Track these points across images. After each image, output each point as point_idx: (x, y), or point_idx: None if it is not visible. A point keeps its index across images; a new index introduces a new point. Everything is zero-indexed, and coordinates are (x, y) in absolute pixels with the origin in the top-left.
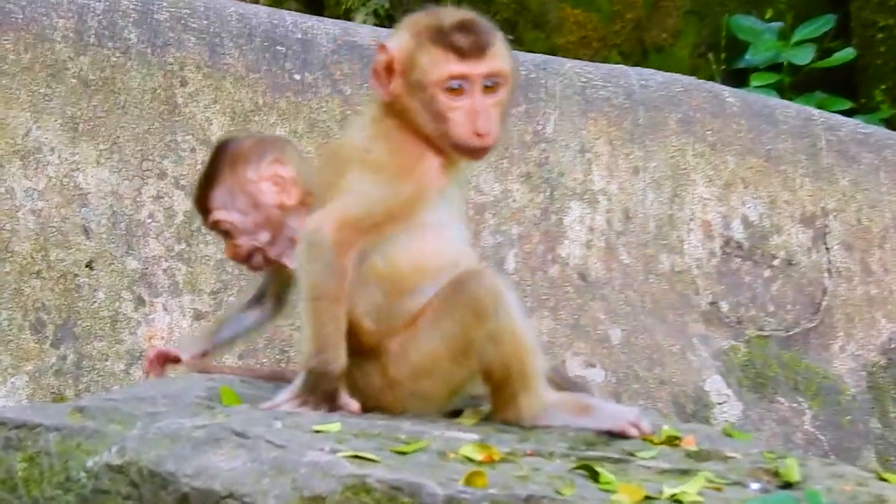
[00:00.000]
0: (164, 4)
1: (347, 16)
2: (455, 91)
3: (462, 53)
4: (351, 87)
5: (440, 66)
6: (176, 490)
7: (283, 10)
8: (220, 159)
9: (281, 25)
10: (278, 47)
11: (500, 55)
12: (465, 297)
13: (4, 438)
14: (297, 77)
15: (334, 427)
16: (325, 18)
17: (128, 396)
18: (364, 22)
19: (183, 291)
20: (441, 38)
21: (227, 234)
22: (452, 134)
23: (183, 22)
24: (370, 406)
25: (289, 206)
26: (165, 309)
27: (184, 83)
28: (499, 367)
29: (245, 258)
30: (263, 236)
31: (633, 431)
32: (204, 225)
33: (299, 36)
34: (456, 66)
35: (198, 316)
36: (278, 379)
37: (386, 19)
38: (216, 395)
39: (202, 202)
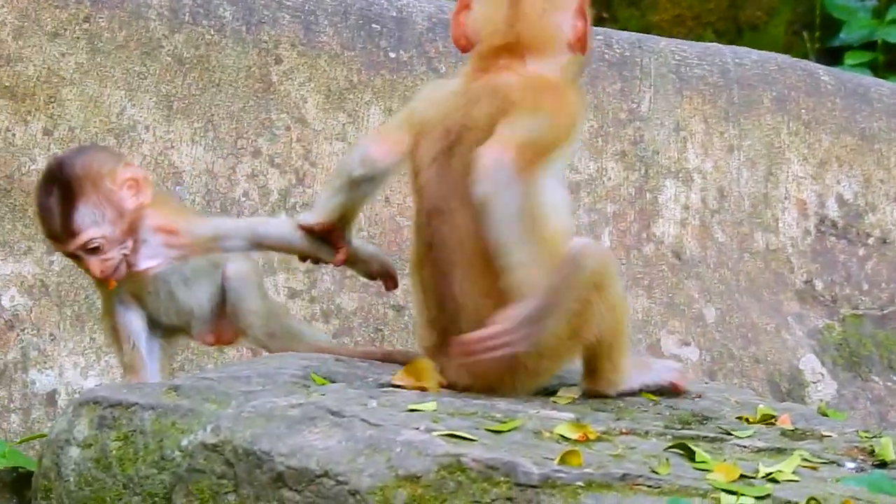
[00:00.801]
0: None
1: None
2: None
3: None
4: (445, 64)
5: None
6: (271, 469)
7: None
8: (70, 180)
9: (376, 3)
10: (373, 25)
11: None
12: (586, 272)
13: (99, 417)
14: (393, 55)
15: (430, 406)
16: None
17: (222, 375)
18: None
19: (277, 270)
20: None
21: (94, 251)
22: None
23: (278, 0)
24: (482, 387)
25: (146, 206)
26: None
27: (278, 61)
28: (608, 335)
29: (114, 271)
30: (129, 244)
31: (684, 384)
32: (64, 252)
33: (394, 14)
34: None
35: (292, 294)
36: (372, 358)
37: None
38: (311, 372)
39: (66, 227)
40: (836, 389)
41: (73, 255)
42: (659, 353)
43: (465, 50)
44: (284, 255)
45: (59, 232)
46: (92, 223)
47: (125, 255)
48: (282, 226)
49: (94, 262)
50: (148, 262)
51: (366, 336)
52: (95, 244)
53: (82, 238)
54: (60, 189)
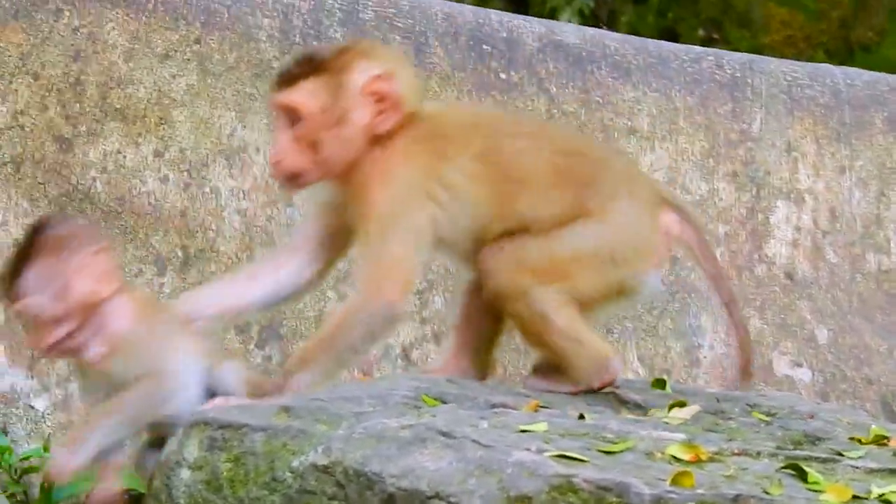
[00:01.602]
0: (370, 4)
1: (552, 14)
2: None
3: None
4: (556, 85)
5: None
6: (382, 490)
7: (489, 9)
8: (36, 241)
9: (486, 24)
10: (484, 46)
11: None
12: None
13: (210, 439)
14: (503, 76)
15: (541, 427)
16: (531, 17)
17: (334, 396)
18: (569, 21)
19: None
20: None
21: (34, 319)
22: None
23: (388, 21)
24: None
25: (104, 298)
26: None
27: None
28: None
29: (48, 349)
30: (70, 325)
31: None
32: (8, 307)
33: (504, 35)
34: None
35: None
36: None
37: (590, 18)
38: (422, 394)
39: (12, 286)
40: None
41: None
42: (771, 374)
43: None
44: None
45: (6, 289)
46: (35, 291)
47: (63, 336)
48: (235, 376)
49: (30, 332)
50: (90, 354)
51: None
52: (33, 312)
53: (21, 303)
54: (26, 246)
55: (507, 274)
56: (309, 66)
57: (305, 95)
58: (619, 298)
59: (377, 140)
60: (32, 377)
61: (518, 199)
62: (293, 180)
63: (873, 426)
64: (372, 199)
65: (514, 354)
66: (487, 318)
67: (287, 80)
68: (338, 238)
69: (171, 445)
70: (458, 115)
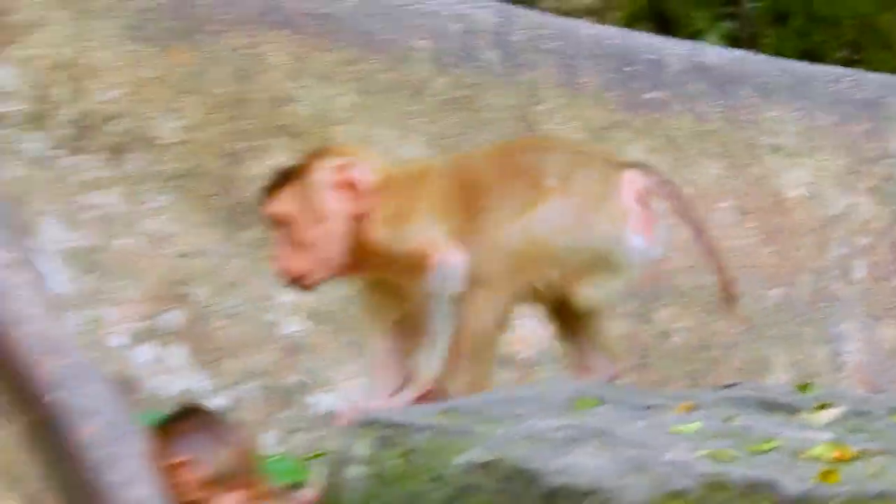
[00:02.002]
0: (520, 26)
1: (696, 36)
2: None
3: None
4: (701, 105)
5: None
6: (543, 486)
7: (635, 31)
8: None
9: (633, 47)
10: (630, 67)
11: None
12: None
13: (379, 438)
14: (648, 95)
15: (692, 427)
16: (676, 39)
17: (495, 398)
18: (713, 43)
19: None
20: None
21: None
22: None
23: (540, 43)
24: None
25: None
26: (530, 317)
27: (540, 101)
28: None
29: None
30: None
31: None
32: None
33: (651, 56)
34: None
35: None
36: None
37: (734, 40)
38: (580, 396)
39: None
40: None
41: None
42: None
43: None
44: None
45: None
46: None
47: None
48: None
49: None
50: None
51: (631, 361)
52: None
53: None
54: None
55: (489, 259)
56: (284, 177)
57: (285, 203)
58: (607, 268)
59: (362, 219)
60: (209, 378)
61: (482, 206)
62: (301, 282)
63: None
64: (379, 238)
65: (667, 360)
66: (568, 321)
67: (270, 192)
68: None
69: (343, 443)
70: (424, 168)
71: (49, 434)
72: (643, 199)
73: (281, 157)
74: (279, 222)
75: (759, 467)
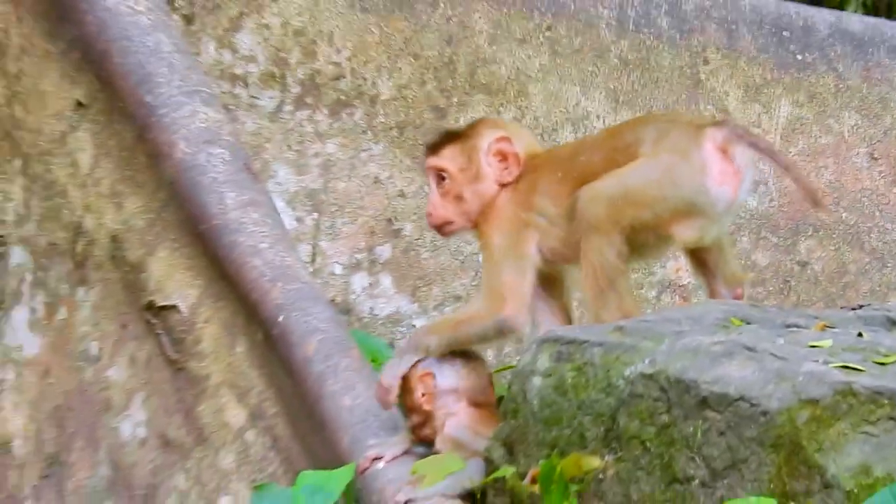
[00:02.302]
0: None
1: (841, 6)
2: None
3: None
4: (843, 65)
5: None
6: (697, 394)
7: (788, 2)
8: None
9: (786, 14)
10: (784, 32)
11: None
12: None
13: (557, 352)
14: (799, 57)
15: (826, 343)
16: (823, 8)
17: (658, 319)
18: (854, 11)
19: None
20: None
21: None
22: None
23: (706, 12)
24: None
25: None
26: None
27: (706, 62)
28: None
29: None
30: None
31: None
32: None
33: (801, 23)
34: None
35: None
36: None
37: (873, 9)
38: (730, 316)
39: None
40: None
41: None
42: None
43: None
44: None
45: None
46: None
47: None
48: None
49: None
50: None
51: (775, 287)
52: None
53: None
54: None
55: (593, 206)
56: (449, 137)
57: (448, 159)
58: (694, 212)
59: (505, 187)
60: (414, 302)
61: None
62: (444, 228)
63: None
64: (494, 234)
65: (806, 285)
66: (694, 256)
67: (434, 148)
68: None
69: (526, 358)
70: (549, 153)
71: (278, 350)
72: (724, 151)
73: (481, 111)
74: (438, 174)
75: (882, 377)
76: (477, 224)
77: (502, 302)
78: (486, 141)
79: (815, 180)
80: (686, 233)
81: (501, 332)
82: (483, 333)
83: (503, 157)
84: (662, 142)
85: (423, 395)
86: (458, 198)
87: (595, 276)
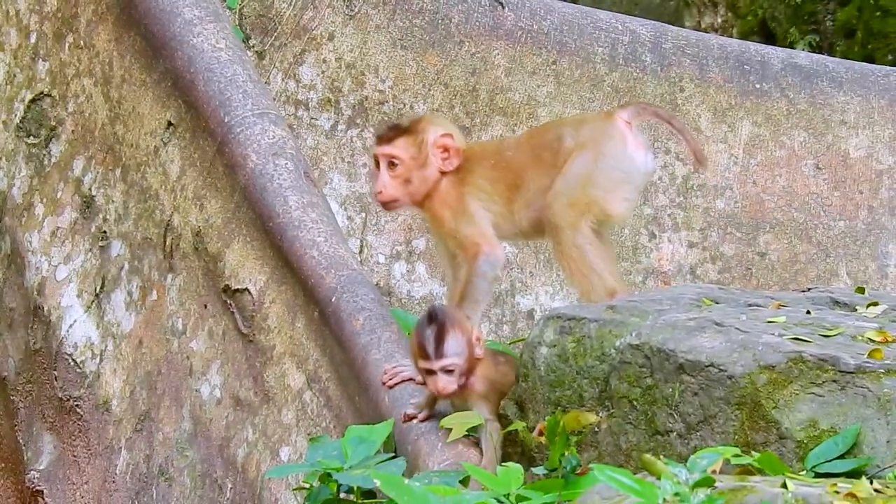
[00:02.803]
0: (669, 37)
1: (791, 45)
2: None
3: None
4: (793, 93)
5: None
6: (675, 361)
7: (748, 42)
8: (444, 323)
9: (746, 51)
10: (745, 66)
11: (399, 145)
12: None
13: (560, 327)
14: (758, 86)
15: (781, 319)
16: (776, 47)
17: (643, 299)
18: (802, 49)
19: (681, 228)
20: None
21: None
22: None
23: (682, 49)
24: None
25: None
26: (669, 241)
27: (682, 90)
28: None
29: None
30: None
31: None
32: (425, 368)
33: (759, 59)
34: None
35: (691, 245)
36: None
37: (817, 48)
38: (703, 297)
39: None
40: None
41: (428, 371)
42: None
43: None
44: (686, 219)
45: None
46: (454, 354)
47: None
48: None
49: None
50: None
51: (739, 273)
52: (452, 368)
53: (444, 362)
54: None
55: (558, 208)
56: (400, 130)
57: (401, 148)
58: (626, 186)
59: (443, 175)
60: (444, 286)
61: (524, 177)
62: (390, 204)
63: None
64: (443, 210)
65: (765, 271)
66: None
67: (386, 138)
68: None
69: (535, 331)
70: (480, 147)
71: (331, 325)
72: (630, 126)
73: (500, 130)
74: (388, 160)
75: (827, 347)
76: (423, 205)
77: (476, 247)
78: (433, 136)
79: (768, 185)
80: (621, 206)
81: (493, 268)
82: (482, 281)
83: (445, 149)
84: (581, 132)
85: (479, 352)
86: (407, 181)
87: (577, 268)
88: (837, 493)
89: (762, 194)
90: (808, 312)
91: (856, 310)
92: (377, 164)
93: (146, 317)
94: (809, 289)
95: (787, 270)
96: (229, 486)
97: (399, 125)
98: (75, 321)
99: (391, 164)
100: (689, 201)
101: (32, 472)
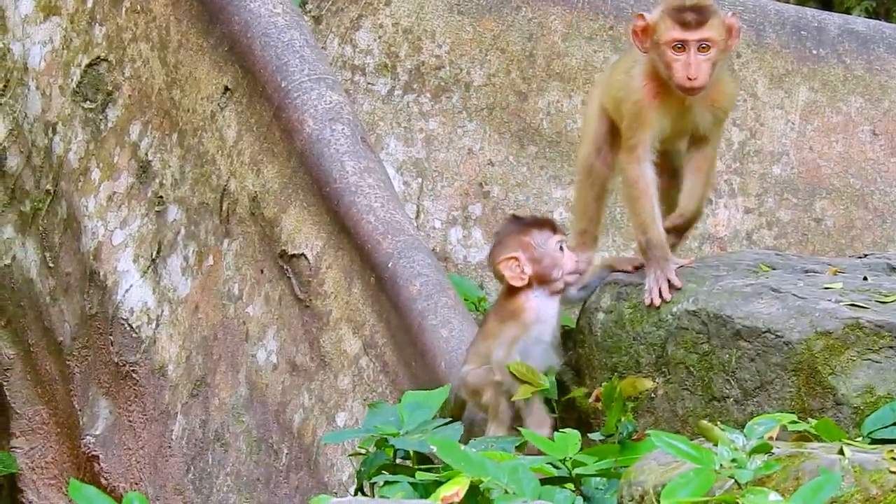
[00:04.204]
0: (726, 3)
1: (847, 11)
2: (678, 49)
3: (684, 25)
4: (850, 59)
5: (669, 32)
6: (732, 327)
7: (805, 7)
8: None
9: (803, 17)
10: (802, 32)
11: (713, 27)
12: None
13: (617, 293)
14: (815, 52)
15: (838, 285)
16: (833, 12)
17: (700, 265)
18: (859, 14)
19: (737, 194)
20: (674, 13)
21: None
22: (674, 77)
23: (738, 14)
24: None
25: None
26: (725, 207)
27: (739, 55)
28: None
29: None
30: None
31: None
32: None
33: (815, 24)
34: (678, 34)
35: (747, 211)
36: None
37: (874, 13)
38: (759, 263)
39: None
40: None
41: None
42: None
43: None
44: (742, 184)
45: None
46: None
47: None
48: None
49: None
50: None
51: (795, 239)
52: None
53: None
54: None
55: None
56: (708, 12)
57: (716, 30)
58: None
59: None
60: None
61: None
62: (699, 90)
63: None
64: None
65: (821, 237)
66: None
67: (699, 22)
68: None
69: (592, 297)
70: None
71: (387, 290)
72: None
73: (556, 96)
74: (705, 44)
75: (884, 313)
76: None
77: None
78: (734, 19)
79: (824, 151)
80: None
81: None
82: None
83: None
84: None
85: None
86: (715, 65)
87: None
88: (894, 459)
89: (818, 160)
90: (865, 279)
91: None
92: (682, 49)
93: (202, 282)
94: (866, 255)
95: (843, 236)
96: (285, 451)
97: (702, 6)
98: (131, 286)
99: (705, 49)
100: (745, 167)
101: (88, 436)
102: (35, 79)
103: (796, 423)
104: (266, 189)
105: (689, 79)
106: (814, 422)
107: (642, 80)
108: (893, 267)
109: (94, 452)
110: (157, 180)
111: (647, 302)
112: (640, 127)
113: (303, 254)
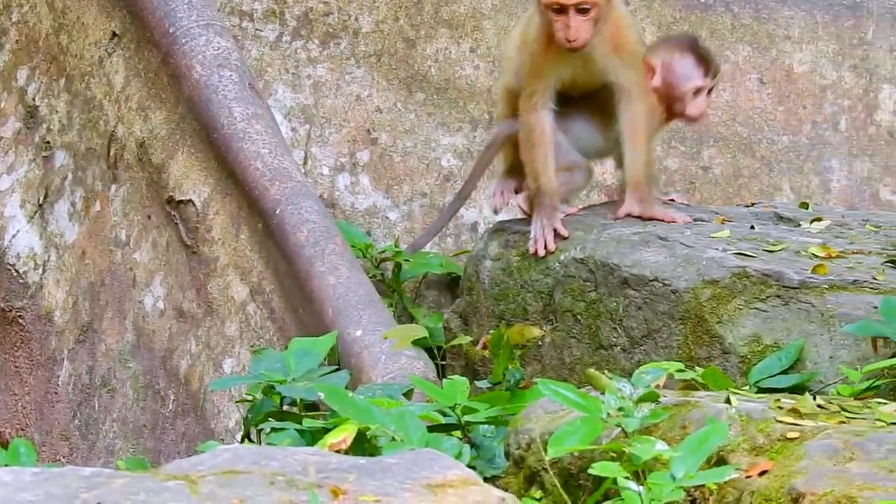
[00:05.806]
0: None
1: None
2: (558, 12)
3: None
4: (738, 7)
5: None
6: (619, 276)
7: None
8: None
9: None
10: None
11: None
12: None
13: (505, 240)
14: (703, 0)
15: (724, 234)
16: None
17: (589, 213)
18: None
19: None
20: None
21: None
22: (556, 38)
23: None
24: None
25: None
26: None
27: (627, 3)
28: None
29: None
30: None
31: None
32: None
33: None
34: None
35: None
36: None
37: None
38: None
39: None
40: None
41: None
42: (878, 200)
43: None
44: None
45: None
46: None
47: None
48: None
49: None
50: None
51: (682, 187)
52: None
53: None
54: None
55: None
56: None
57: None
58: None
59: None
60: (387, 198)
61: None
62: (580, 47)
63: None
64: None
65: (709, 186)
66: None
67: None
68: None
69: (479, 244)
70: None
71: (275, 237)
72: None
73: (444, 43)
74: (584, 6)
75: (771, 262)
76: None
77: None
78: None
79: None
80: None
81: None
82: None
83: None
84: None
85: None
86: (592, 25)
87: None
88: (780, 408)
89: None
90: (752, 227)
91: (799, 225)
92: (561, 12)
93: (89, 227)
94: (753, 204)
95: (730, 185)
96: (172, 397)
97: None
98: (18, 231)
99: (582, 10)
100: None
101: None
102: None
103: (683, 371)
104: (154, 135)
105: (569, 40)
106: (701, 370)
107: (538, 31)
108: (780, 216)
109: None
110: (45, 125)
111: (532, 251)
112: (537, 76)
113: (190, 200)
